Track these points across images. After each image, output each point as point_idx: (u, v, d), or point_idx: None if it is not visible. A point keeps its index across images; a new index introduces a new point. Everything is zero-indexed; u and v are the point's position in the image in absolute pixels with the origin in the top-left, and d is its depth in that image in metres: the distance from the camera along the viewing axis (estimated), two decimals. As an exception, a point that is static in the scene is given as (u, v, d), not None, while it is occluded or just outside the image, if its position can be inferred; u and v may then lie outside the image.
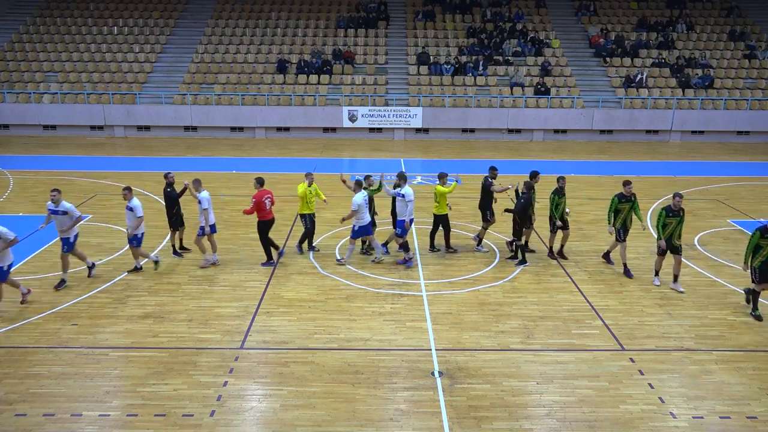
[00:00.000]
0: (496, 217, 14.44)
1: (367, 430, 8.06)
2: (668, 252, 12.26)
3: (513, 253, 13.93)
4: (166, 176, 13.70)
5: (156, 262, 13.18)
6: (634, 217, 13.15)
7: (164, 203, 13.68)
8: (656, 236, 12.29)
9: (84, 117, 28.96)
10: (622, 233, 13.05)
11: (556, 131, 29.67)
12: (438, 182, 13.75)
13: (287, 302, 11.73)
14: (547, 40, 32.85)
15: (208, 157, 24.78)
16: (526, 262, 13.64)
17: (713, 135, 29.76)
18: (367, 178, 14.01)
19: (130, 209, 12.51)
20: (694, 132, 29.77)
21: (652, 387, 9.07)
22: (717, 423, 8.29)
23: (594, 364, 9.68)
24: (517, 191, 13.72)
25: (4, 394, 8.70)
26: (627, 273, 13.07)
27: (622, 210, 12.99)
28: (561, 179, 13.70)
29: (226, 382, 9.09)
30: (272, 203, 13.32)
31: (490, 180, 14.15)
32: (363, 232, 13.36)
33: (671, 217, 12.04)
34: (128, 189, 12.64)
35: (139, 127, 29.41)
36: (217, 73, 30.54)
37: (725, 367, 9.64)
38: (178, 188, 13.80)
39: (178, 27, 33.95)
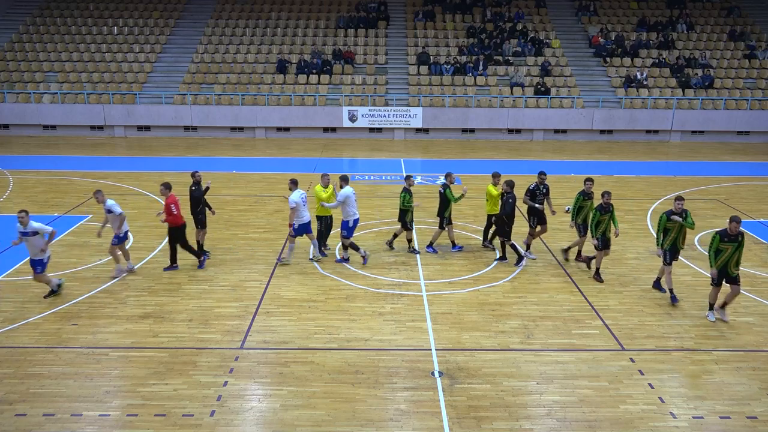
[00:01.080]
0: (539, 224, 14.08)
1: (367, 430, 8.05)
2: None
3: (502, 254, 13.86)
4: (192, 175, 13.58)
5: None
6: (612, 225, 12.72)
7: (189, 202, 13.49)
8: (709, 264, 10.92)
9: (84, 117, 28.96)
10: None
11: (556, 131, 29.67)
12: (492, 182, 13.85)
13: (287, 302, 11.73)
14: (547, 40, 32.85)
15: (208, 157, 24.78)
16: (523, 259, 13.66)
17: (713, 135, 29.76)
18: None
19: (109, 211, 12.32)
20: (694, 132, 29.77)
21: (652, 387, 9.07)
22: (717, 423, 8.28)
23: (594, 364, 9.68)
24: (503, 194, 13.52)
25: (4, 394, 8.70)
26: (656, 286, 12.49)
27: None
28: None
29: (226, 382, 9.09)
30: (177, 209, 12.64)
31: (537, 185, 13.78)
32: (303, 230, 13.34)
33: (726, 243, 10.57)
34: (99, 192, 12.44)
35: (139, 127, 29.41)
36: (217, 73, 30.54)
37: (725, 367, 9.64)
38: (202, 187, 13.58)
39: (178, 27, 33.96)
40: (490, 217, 14.14)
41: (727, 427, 8.20)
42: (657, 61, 31.68)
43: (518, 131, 29.64)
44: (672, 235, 11.64)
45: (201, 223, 13.56)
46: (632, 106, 29.35)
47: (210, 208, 13.78)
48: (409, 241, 14.33)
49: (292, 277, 12.85)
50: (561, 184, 20.94)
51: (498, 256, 13.90)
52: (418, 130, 29.46)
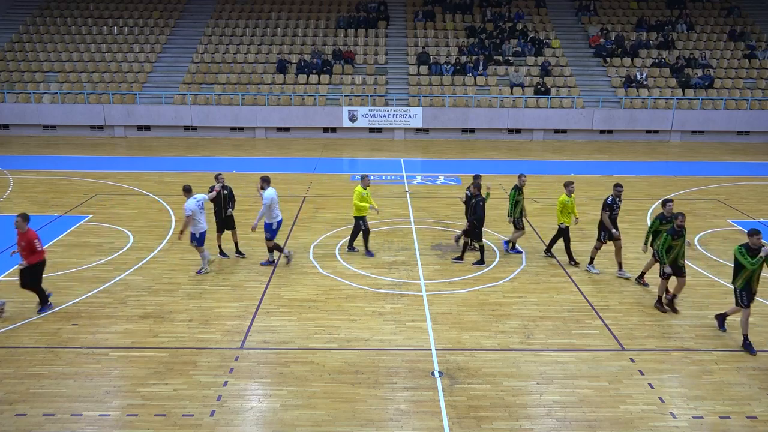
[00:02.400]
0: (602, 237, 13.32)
1: (367, 430, 8.05)
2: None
3: (460, 255, 13.81)
4: (216, 177, 13.45)
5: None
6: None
7: (213, 204, 13.44)
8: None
9: (84, 117, 28.96)
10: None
11: (556, 131, 29.67)
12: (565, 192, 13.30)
13: (287, 302, 11.73)
14: (547, 40, 32.84)
15: (208, 157, 24.78)
16: (483, 263, 13.60)
17: (713, 135, 29.76)
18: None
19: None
20: (694, 132, 29.77)
21: (652, 387, 9.07)
22: (717, 423, 8.28)
23: (594, 364, 9.68)
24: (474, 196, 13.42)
25: (4, 394, 8.70)
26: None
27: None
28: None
29: (226, 382, 9.09)
30: (40, 244, 11.00)
31: (614, 199, 12.95)
32: (204, 239, 12.76)
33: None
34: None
35: (139, 127, 29.41)
36: (217, 73, 30.53)
37: (725, 367, 9.64)
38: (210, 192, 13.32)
39: (178, 27, 33.95)
40: (560, 227, 13.55)
41: (727, 427, 8.19)
42: (657, 61, 31.68)
43: (518, 131, 29.64)
44: (745, 274, 9.96)
45: (222, 226, 13.49)
46: (632, 106, 29.35)
47: (230, 208, 13.64)
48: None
49: (292, 278, 12.85)
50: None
51: (464, 260, 13.72)
52: (418, 130, 29.46)
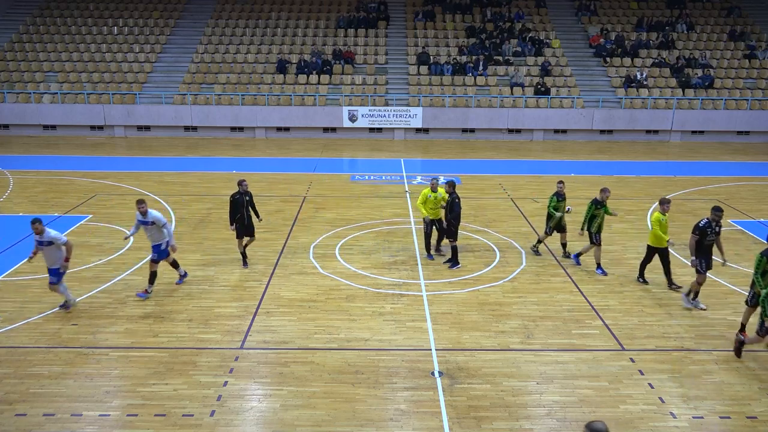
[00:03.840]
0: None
1: (367, 430, 8.05)
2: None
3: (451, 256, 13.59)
4: (240, 183, 12.98)
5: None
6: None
7: (229, 208, 12.98)
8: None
9: (84, 117, 28.96)
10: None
11: (556, 131, 29.67)
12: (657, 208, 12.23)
13: (287, 302, 11.73)
14: (547, 40, 32.84)
15: (208, 157, 24.78)
16: (458, 264, 13.43)
17: (713, 135, 29.76)
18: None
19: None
20: (694, 132, 29.77)
21: (652, 387, 9.07)
22: (717, 423, 8.28)
23: (594, 364, 9.68)
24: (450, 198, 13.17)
25: (4, 394, 8.70)
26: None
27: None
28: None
29: (226, 382, 9.09)
30: None
31: (709, 222, 11.22)
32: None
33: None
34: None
35: (139, 127, 29.41)
36: (217, 73, 30.53)
37: (725, 367, 9.63)
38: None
39: (178, 27, 33.95)
40: (651, 250, 12.28)
41: (727, 427, 8.20)
42: (657, 61, 31.68)
43: (518, 131, 29.64)
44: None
45: (242, 232, 13.09)
46: (632, 106, 29.35)
47: (258, 216, 13.32)
48: (564, 245, 14.12)
49: (292, 278, 12.85)
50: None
51: (451, 264, 13.48)
52: (418, 130, 29.46)
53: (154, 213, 11.71)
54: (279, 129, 29.49)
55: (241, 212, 12.95)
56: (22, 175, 21.37)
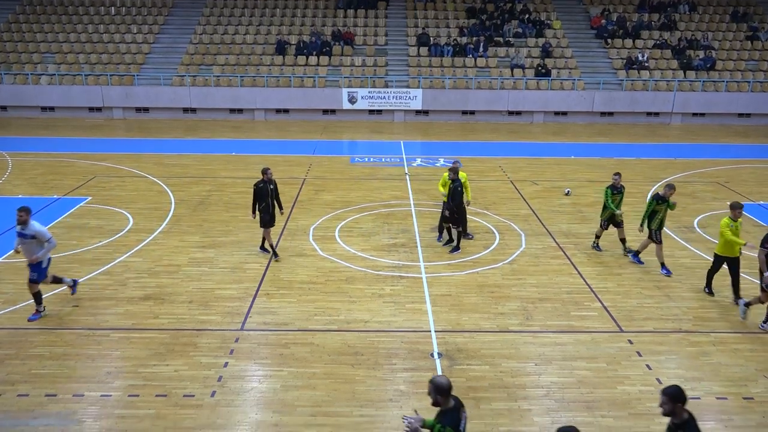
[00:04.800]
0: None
1: (366, 411, 8.12)
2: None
3: (453, 240, 13.52)
4: (264, 171, 12.60)
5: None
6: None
7: (252, 197, 12.66)
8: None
9: (82, 98, 28.80)
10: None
11: (557, 113, 29.55)
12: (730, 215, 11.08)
13: (287, 284, 11.76)
14: (548, 21, 32.57)
15: (207, 139, 24.70)
16: (458, 249, 13.29)
17: (714, 117, 29.64)
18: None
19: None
20: (695, 114, 29.65)
21: (649, 368, 9.13)
22: (714, 404, 8.35)
23: (592, 345, 9.73)
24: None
25: (6, 375, 8.75)
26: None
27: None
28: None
29: (227, 363, 9.14)
30: None
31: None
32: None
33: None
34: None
35: (138, 109, 29.27)
36: (215, 54, 30.32)
37: (722, 348, 9.69)
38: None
39: (176, 7, 33.62)
40: (719, 259, 11.20)
41: (724, 408, 8.27)
42: (658, 42, 31.45)
43: (518, 113, 29.52)
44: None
45: (267, 222, 12.64)
46: (633, 88, 29.19)
47: (280, 207, 12.91)
48: (623, 240, 13.36)
49: (291, 260, 12.87)
50: (561, 166, 20.93)
51: (452, 247, 13.38)
52: (417, 112, 29.34)
53: (36, 226, 9.93)
54: (278, 111, 29.36)
55: (267, 201, 12.52)
56: (21, 157, 21.30)
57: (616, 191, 13.05)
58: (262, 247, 13.16)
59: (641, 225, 12.31)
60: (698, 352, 9.60)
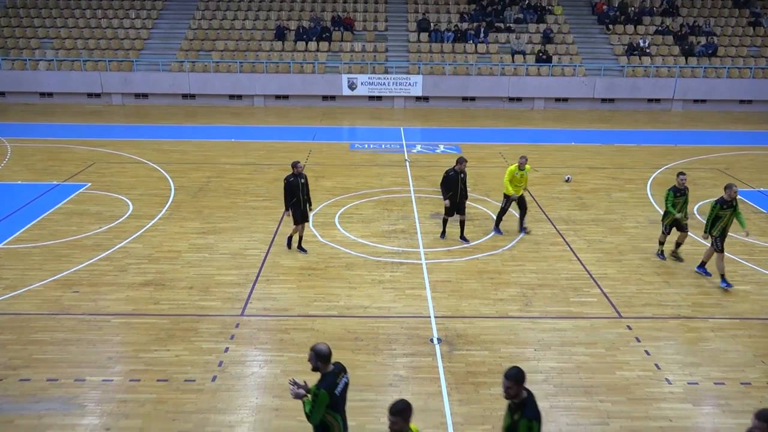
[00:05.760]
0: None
1: (366, 396, 8.17)
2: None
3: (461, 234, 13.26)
4: (295, 165, 12.04)
5: None
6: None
7: (284, 192, 12.06)
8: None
9: (80, 84, 28.67)
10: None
11: (558, 99, 29.44)
12: None
13: (287, 270, 11.78)
14: (550, 7, 32.34)
15: (206, 125, 24.62)
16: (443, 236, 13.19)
17: (715, 104, 29.53)
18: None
19: None
20: (696, 101, 29.53)
21: (648, 354, 9.17)
22: (711, 389, 8.40)
23: (591, 331, 9.77)
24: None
25: (8, 360, 8.80)
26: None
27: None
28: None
29: (227, 348, 9.18)
30: None
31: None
32: None
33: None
34: None
35: (137, 95, 29.14)
36: (214, 40, 30.14)
37: (721, 334, 9.73)
38: None
39: (174, -8, 33.39)
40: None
41: (721, 393, 8.31)
42: (660, 28, 31.26)
43: (519, 99, 29.41)
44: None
45: (298, 218, 12.19)
46: (634, 75, 29.05)
47: (310, 203, 12.34)
48: (678, 244, 12.37)
49: (292, 246, 12.86)
50: (561, 153, 20.89)
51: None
52: (418, 98, 29.22)
53: None
54: (278, 97, 29.24)
55: (298, 196, 12.01)
56: (20, 143, 21.25)
57: (679, 194, 11.89)
58: (300, 247, 12.62)
59: (705, 231, 11.21)
60: (697, 337, 9.64)
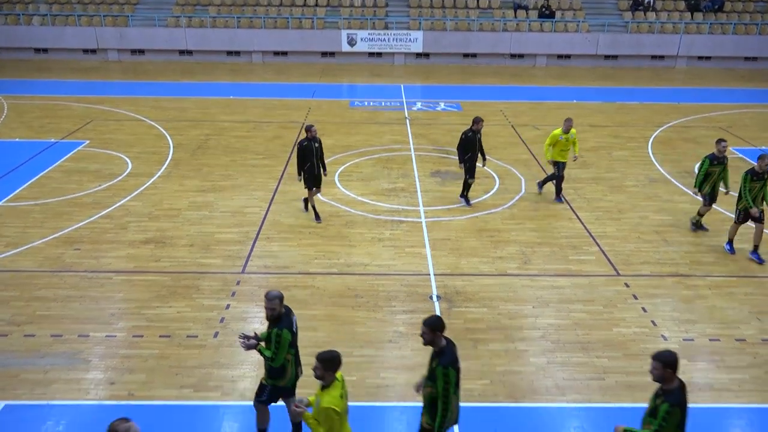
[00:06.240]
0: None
1: (366, 351, 8.29)
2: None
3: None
4: (309, 129, 11.59)
5: None
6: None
7: (297, 157, 11.72)
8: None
9: (76, 40, 28.18)
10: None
11: (560, 56, 29.01)
12: None
13: (287, 228, 11.81)
14: (554, -40, 31.57)
15: (204, 82, 24.32)
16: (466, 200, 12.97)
17: (720, 61, 29.12)
18: None
19: None
20: (700, 58, 29.11)
21: (645, 311, 9.27)
22: (706, 345, 8.52)
23: (589, 288, 9.86)
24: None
25: (12, 316, 8.89)
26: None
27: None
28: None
29: (229, 305, 9.28)
30: None
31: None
32: None
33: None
34: None
35: (133, 51, 28.69)
36: (211, -6, 29.53)
37: (718, 292, 9.82)
38: None
39: (169, -56, 32.52)
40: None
41: (716, 349, 8.44)
42: (666, -18, 30.59)
43: (521, 56, 28.98)
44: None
45: (311, 183, 11.85)
46: (638, 31, 28.55)
47: (324, 168, 12.02)
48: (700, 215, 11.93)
49: (292, 204, 12.88)
50: (564, 110, 20.69)
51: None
52: (418, 54, 28.78)
53: None
54: (276, 53, 28.81)
55: (311, 161, 11.63)
56: (16, 99, 21.02)
57: (716, 162, 11.28)
58: (306, 208, 12.48)
59: (750, 205, 10.51)
60: (693, 295, 9.73)
